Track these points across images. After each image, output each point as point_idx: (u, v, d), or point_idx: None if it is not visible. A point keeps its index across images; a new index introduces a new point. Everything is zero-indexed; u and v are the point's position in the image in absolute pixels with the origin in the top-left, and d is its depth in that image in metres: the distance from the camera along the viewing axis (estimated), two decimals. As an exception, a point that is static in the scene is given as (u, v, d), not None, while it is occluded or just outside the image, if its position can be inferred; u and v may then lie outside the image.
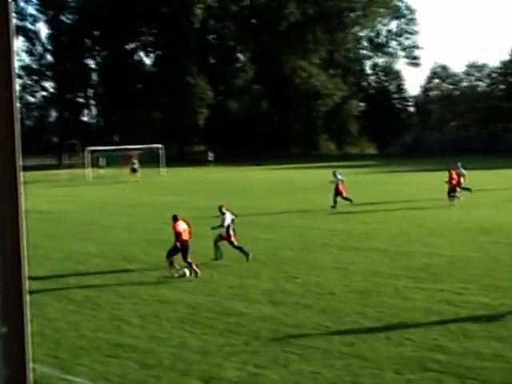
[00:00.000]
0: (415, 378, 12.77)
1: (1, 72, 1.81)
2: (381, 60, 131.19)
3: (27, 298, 1.93)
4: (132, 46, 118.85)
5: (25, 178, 1.80)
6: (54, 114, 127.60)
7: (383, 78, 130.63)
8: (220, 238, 24.56)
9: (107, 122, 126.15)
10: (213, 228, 25.35)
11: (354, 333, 15.54)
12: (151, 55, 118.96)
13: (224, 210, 24.87)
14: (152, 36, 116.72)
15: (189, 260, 22.01)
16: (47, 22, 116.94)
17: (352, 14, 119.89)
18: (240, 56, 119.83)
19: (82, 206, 43.97)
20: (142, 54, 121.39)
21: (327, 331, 15.69)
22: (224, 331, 15.95)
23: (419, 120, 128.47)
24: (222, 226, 24.52)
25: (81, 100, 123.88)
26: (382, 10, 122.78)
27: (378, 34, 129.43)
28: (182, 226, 22.63)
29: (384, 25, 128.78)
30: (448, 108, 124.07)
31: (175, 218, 22.81)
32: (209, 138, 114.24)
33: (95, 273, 23.01)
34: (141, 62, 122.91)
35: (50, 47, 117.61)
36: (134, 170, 67.77)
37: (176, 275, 21.96)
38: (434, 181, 50.16)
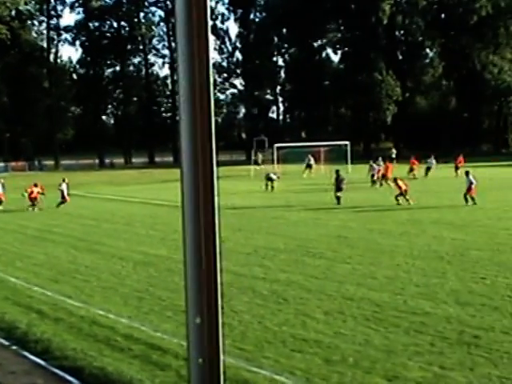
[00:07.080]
0: None
1: (199, 71, 1.88)
2: None
3: (219, 290, 1.99)
4: (320, 42, 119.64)
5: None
6: (242, 110, 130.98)
7: None
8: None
9: (294, 118, 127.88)
10: None
11: (546, 338, 14.92)
12: (339, 52, 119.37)
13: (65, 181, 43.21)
14: (340, 33, 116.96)
15: None
16: (236, 20, 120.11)
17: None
18: (428, 52, 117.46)
19: (268, 201, 44.64)
20: (329, 50, 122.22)
21: (517, 335, 15.16)
22: (409, 330, 15.74)
23: None
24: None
25: (269, 97, 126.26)
26: None
27: None
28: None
29: None
30: None
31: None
32: (396, 135, 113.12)
33: (281, 268, 23.32)
34: (328, 58, 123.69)
35: (238, 45, 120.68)
36: (308, 166, 68.52)
37: None
38: None
